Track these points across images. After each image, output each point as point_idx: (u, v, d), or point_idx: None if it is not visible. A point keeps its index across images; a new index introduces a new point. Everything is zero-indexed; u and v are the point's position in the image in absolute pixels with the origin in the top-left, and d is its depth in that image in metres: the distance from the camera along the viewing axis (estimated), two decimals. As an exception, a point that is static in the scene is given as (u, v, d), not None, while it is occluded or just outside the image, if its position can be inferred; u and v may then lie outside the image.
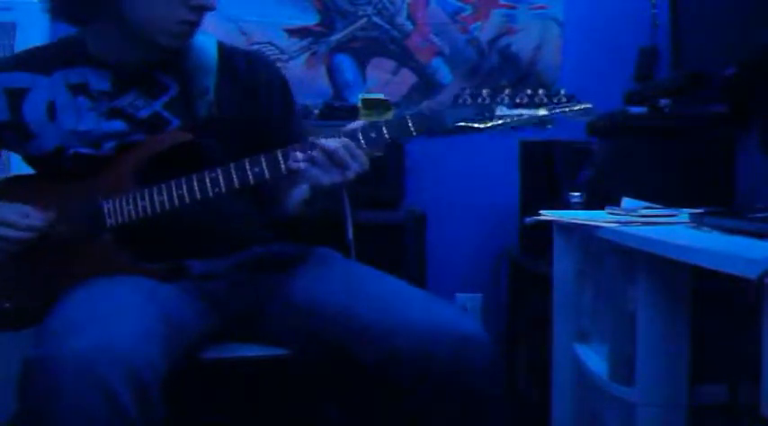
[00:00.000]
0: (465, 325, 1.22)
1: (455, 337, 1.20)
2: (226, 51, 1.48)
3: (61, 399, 1.00)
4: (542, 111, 1.24)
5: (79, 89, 1.39)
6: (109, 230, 1.33)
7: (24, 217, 1.31)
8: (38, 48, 1.48)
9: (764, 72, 1.55)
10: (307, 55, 2.68)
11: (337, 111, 2.49)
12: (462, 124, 1.26)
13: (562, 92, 1.25)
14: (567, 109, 1.25)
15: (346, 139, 1.25)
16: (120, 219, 1.32)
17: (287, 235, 1.51)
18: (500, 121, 1.24)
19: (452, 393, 1.19)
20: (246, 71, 1.47)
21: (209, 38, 1.47)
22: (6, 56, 1.51)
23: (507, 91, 1.25)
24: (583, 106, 1.25)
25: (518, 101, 1.24)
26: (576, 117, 1.26)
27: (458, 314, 1.28)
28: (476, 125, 1.25)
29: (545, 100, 1.24)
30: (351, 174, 1.24)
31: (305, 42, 2.69)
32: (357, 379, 1.61)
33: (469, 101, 1.26)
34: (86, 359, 1.01)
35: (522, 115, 1.24)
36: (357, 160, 1.25)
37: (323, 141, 1.24)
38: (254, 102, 1.46)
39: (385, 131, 1.27)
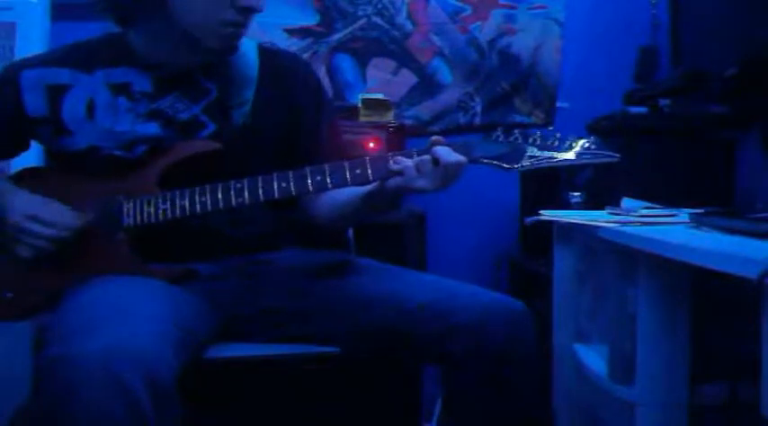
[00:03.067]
0: (513, 303, 1.32)
1: (507, 313, 1.29)
2: (266, 57, 1.48)
3: (78, 398, 0.99)
4: (571, 155, 1.26)
5: (120, 89, 1.40)
6: (125, 230, 1.33)
7: (60, 216, 1.32)
8: (80, 44, 1.47)
9: (764, 72, 1.56)
10: (307, 55, 2.67)
11: (337, 111, 2.48)
12: (491, 161, 1.28)
13: (592, 138, 1.27)
14: (594, 156, 1.26)
15: (462, 157, 1.25)
16: (138, 220, 1.32)
17: (299, 239, 1.51)
18: (529, 162, 1.26)
19: (505, 361, 1.26)
20: (284, 76, 1.48)
21: (249, 43, 1.48)
22: (49, 50, 1.51)
23: (539, 133, 1.27)
24: (610, 156, 1.27)
25: (549, 143, 1.26)
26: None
27: (504, 294, 1.37)
28: (505, 165, 1.27)
29: (574, 145, 1.26)
30: (445, 187, 1.26)
31: (305, 42, 2.68)
32: (356, 379, 1.61)
33: (502, 138, 1.28)
34: (104, 359, 1.01)
35: (551, 158, 1.26)
36: (459, 176, 1.26)
37: (441, 152, 1.23)
38: (289, 107, 1.47)
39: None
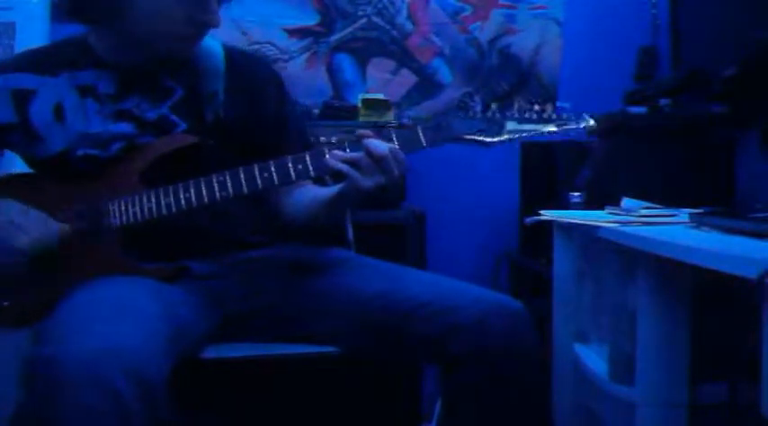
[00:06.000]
0: (514, 303, 1.31)
1: (508, 313, 1.28)
2: (230, 53, 1.48)
3: (64, 399, 0.99)
4: (551, 127, 1.25)
5: (87, 91, 1.39)
6: (114, 231, 1.33)
7: (45, 227, 1.31)
8: (42, 49, 1.47)
9: (764, 72, 1.56)
10: (307, 55, 2.68)
11: (337, 111, 2.49)
12: (471, 137, 1.26)
13: (567, 106, 1.27)
14: (573, 126, 1.26)
15: (393, 145, 1.24)
16: (124, 220, 1.32)
17: (289, 237, 1.51)
18: (508, 136, 1.25)
19: (504, 362, 1.25)
20: (248, 71, 1.48)
21: (213, 41, 1.48)
22: (11, 56, 1.49)
23: (516, 105, 1.27)
24: (589, 124, 1.26)
25: (527, 116, 1.26)
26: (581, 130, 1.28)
27: (503, 294, 1.36)
28: (486, 139, 1.26)
29: (553, 116, 1.26)
30: (392, 181, 1.24)
31: (305, 42, 2.69)
32: (356, 379, 1.61)
33: (479, 114, 1.27)
34: (90, 359, 1.01)
35: (531, 130, 1.25)
36: (401, 166, 1.24)
37: (372, 144, 1.22)
38: (253, 102, 1.47)
39: (395, 143, 1.26)
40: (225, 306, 1.39)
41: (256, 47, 2.64)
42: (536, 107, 1.26)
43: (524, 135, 1.26)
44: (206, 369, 1.35)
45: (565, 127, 1.25)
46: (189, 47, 1.39)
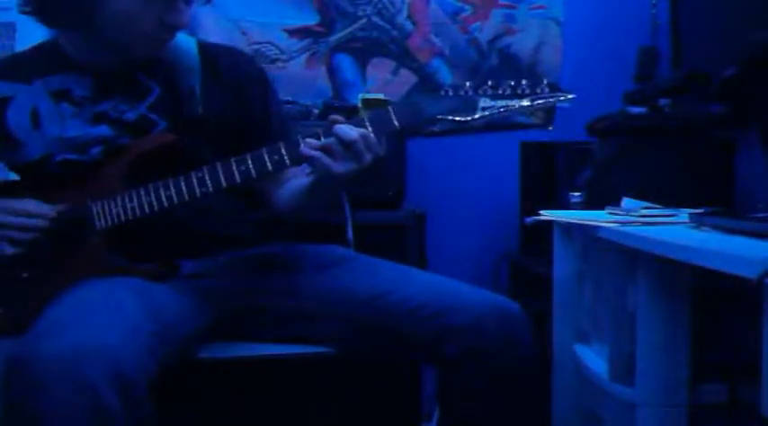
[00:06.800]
0: (509, 304, 1.32)
1: (503, 314, 1.29)
2: (206, 49, 1.48)
3: (44, 398, 1.00)
4: (525, 102, 1.24)
5: (61, 95, 1.40)
6: (98, 233, 1.33)
7: (35, 207, 1.32)
8: (13, 56, 1.49)
9: (764, 72, 1.55)
10: (307, 55, 2.68)
11: (337, 111, 2.48)
12: (445, 117, 1.25)
13: (545, 82, 1.25)
14: (549, 99, 1.25)
15: (363, 130, 1.23)
16: (109, 221, 1.32)
17: (283, 234, 1.50)
18: (484, 113, 1.24)
19: (501, 363, 1.26)
20: (227, 67, 1.47)
21: (187, 37, 1.48)
22: None
23: (490, 82, 1.26)
24: (565, 96, 1.25)
25: (500, 92, 1.25)
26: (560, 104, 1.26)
27: (499, 295, 1.36)
28: (458, 118, 1.25)
29: (527, 90, 1.24)
30: (363, 166, 1.23)
31: (305, 42, 2.69)
32: (355, 379, 1.61)
33: (452, 93, 1.26)
34: (68, 358, 1.01)
35: (505, 106, 1.24)
36: (372, 151, 1.24)
37: (341, 129, 1.22)
38: (236, 97, 1.46)
39: (369, 127, 1.25)
40: (217, 304, 1.39)
41: (256, 47, 2.64)
42: (510, 82, 1.25)
43: (502, 110, 1.24)
44: (204, 369, 1.35)
45: (539, 101, 1.24)
46: (159, 47, 1.39)
